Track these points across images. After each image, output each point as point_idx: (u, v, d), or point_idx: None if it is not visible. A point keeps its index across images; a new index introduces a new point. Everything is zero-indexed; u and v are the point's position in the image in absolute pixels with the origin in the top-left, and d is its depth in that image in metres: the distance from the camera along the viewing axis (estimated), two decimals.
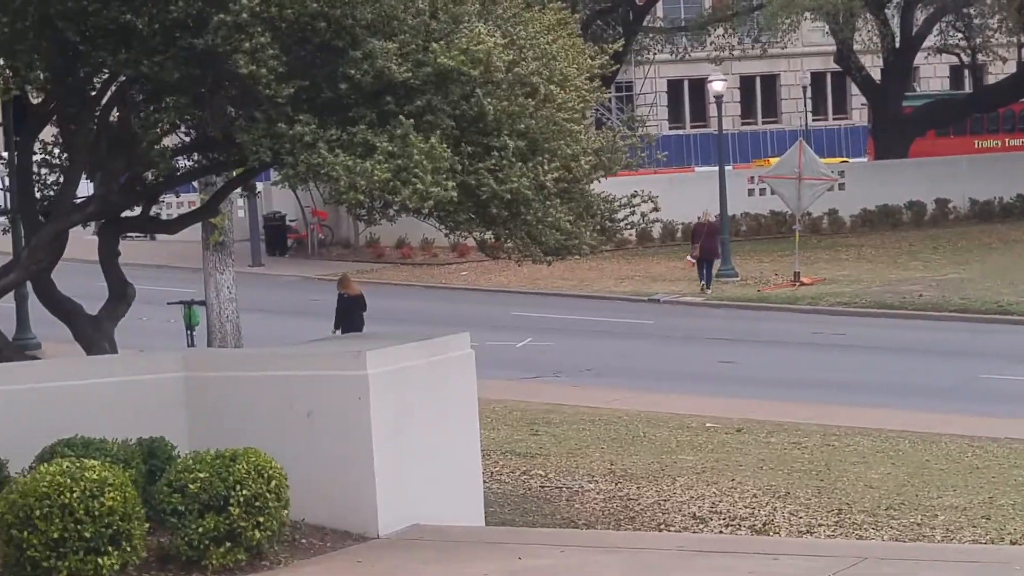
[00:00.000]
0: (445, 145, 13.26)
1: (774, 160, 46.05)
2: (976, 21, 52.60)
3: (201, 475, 11.26)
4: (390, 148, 13.03)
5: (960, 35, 53.76)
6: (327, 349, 13.98)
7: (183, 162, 16.41)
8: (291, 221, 48.02)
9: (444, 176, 13.11)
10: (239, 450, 11.46)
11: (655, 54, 60.74)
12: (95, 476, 10.78)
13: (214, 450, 11.52)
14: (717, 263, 37.69)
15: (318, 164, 12.94)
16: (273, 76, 13.01)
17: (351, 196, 12.91)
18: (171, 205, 38.82)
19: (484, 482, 15.73)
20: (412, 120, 13.22)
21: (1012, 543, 15.11)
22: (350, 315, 26.40)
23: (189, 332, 25.65)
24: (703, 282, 36.98)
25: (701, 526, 16.14)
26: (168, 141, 16.08)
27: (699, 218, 37.74)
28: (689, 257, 37.70)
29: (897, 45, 49.87)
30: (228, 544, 11.25)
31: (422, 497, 12.99)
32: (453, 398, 13.72)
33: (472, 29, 13.73)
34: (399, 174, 12.91)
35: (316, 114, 13.40)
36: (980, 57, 54.67)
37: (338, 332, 25.34)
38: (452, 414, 13.67)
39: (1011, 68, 56.21)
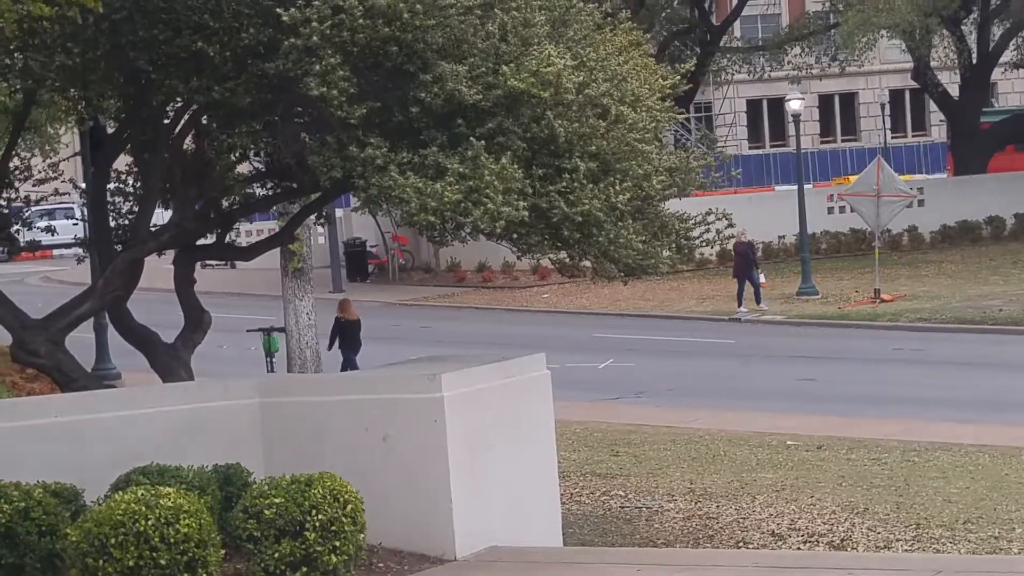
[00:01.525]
0: (516, 166, 13.28)
1: (853, 178, 45.71)
2: None
3: (277, 500, 11.27)
4: (461, 170, 13.08)
5: None
6: (402, 372, 14.00)
7: (258, 190, 16.53)
8: (372, 247, 48.24)
9: (515, 197, 13.13)
10: (314, 475, 11.47)
11: (733, 74, 60.65)
12: (170, 503, 10.80)
13: (289, 475, 11.53)
14: (752, 282, 37.22)
15: (389, 186, 13.01)
16: (344, 98, 13.09)
17: (422, 218, 12.96)
18: (249, 233, 39.25)
19: (563, 503, 15.71)
20: (483, 142, 13.26)
21: None
22: (349, 338, 27.08)
23: (269, 359, 25.79)
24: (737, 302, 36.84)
25: (779, 543, 16.01)
26: (243, 168, 16.24)
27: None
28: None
29: (974, 61, 49.47)
30: (304, 569, 11.24)
31: (499, 519, 12.96)
32: (529, 419, 13.68)
33: (542, 51, 13.77)
34: (470, 195, 12.95)
35: (387, 137, 13.48)
36: None
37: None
38: (529, 435, 13.63)
39: None
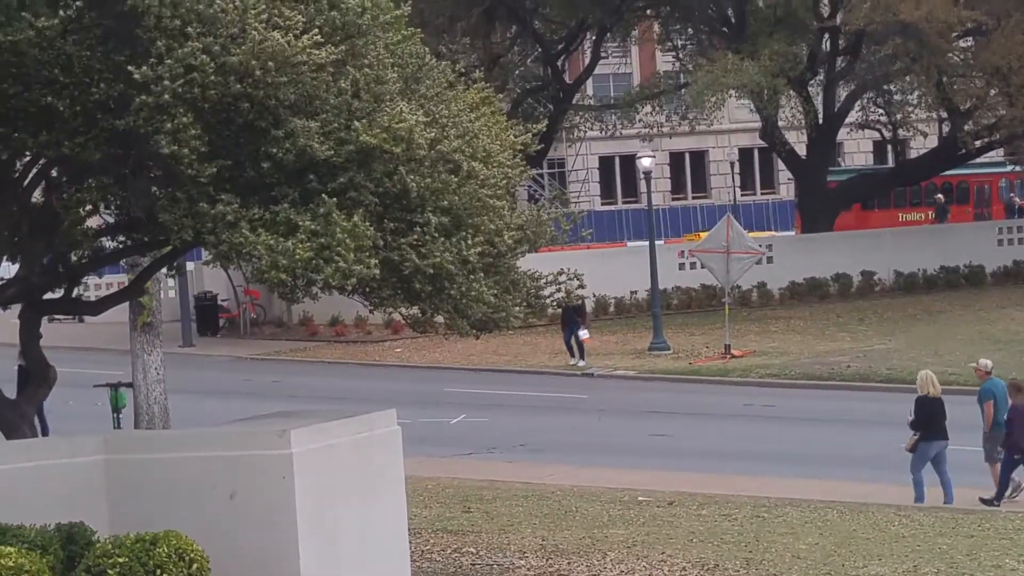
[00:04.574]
0: (368, 222, 13.31)
1: (704, 234, 46.41)
2: (896, 97, 53.51)
3: (120, 560, 11.12)
4: (313, 227, 13.06)
5: (881, 111, 54.65)
6: (251, 429, 13.89)
7: (107, 243, 16.32)
8: (223, 300, 47.75)
9: (367, 253, 13.16)
10: (160, 533, 11.34)
11: (586, 131, 61.29)
12: (11, 563, 10.62)
13: (134, 534, 11.39)
14: (576, 338, 37.61)
15: (240, 243, 12.95)
16: (195, 156, 13.03)
17: (273, 275, 12.91)
18: (98, 286, 38.60)
19: (414, 560, 15.66)
20: (335, 198, 13.28)
21: None
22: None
23: (116, 415, 25.39)
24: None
25: None
26: (92, 222, 16.03)
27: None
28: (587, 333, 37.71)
29: (820, 121, 50.58)
30: None
31: None
32: (379, 476, 13.66)
33: (394, 107, 13.83)
34: (321, 252, 12.94)
35: (239, 193, 13.42)
36: (901, 132, 55.56)
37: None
38: (379, 491, 13.60)
39: (932, 142, 57.15)
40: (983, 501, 21.83)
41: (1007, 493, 22.02)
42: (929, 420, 22.02)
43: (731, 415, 30.85)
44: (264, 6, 13.22)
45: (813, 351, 37.64)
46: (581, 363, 37.45)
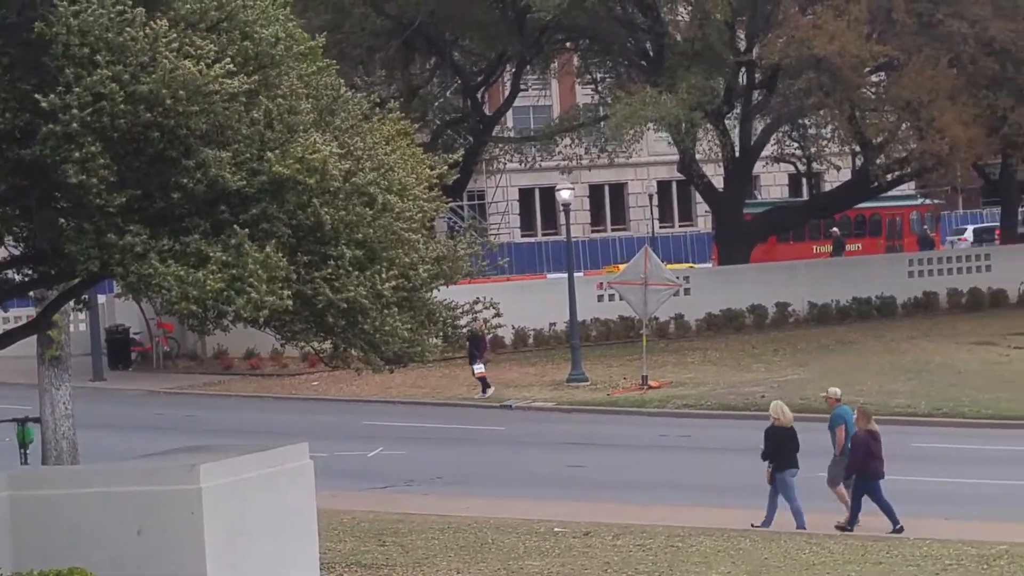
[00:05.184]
0: (281, 254, 13.19)
1: (622, 266, 46.54)
2: (811, 131, 54.09)
3: None
4: (224, 258, 12.93)
5: (796, 144, 55.23)
6: (160, 464, 13.69)
7: (13, 275, 16.06)
8: (135, 333, 47.18)
9: (279, 285, 13.03)
10: (63, 570, 11.13)
11: (505, 163, 61.38)
12: None
13: (38, 571, 11.17)
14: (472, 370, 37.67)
15: (149, 274, 12.79)
16: (104, 186, 12.87)
17: (183, 307, 12.76)
18: (5, 319, 38.13)
19: None
20: (247, 229, 13.15)
21: None
22: None
23: (23, 451, 24.95)
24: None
25: None
26: None
27: None
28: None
29: (737, 154, 50.95)
30: None
31: None
32: (291, 510, 13.51)
33: (308, 138, 13.74)
34: (233, 284, 12.81)
35: (148, 224, 13.27)
36: (816, 165, 56.17)
37: None
38: (290, 526, 13.45)
39: (845, 175, 57.78)
40: (838, 528, 22.34)
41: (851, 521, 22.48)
42: (778, 449, 22.60)
43: (648, 446, 30.93)
44: (175, 35, 13.09)
45: (729, 382, 37.83)
46: (478, 396, 37.33)
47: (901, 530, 21.97)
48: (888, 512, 22.31)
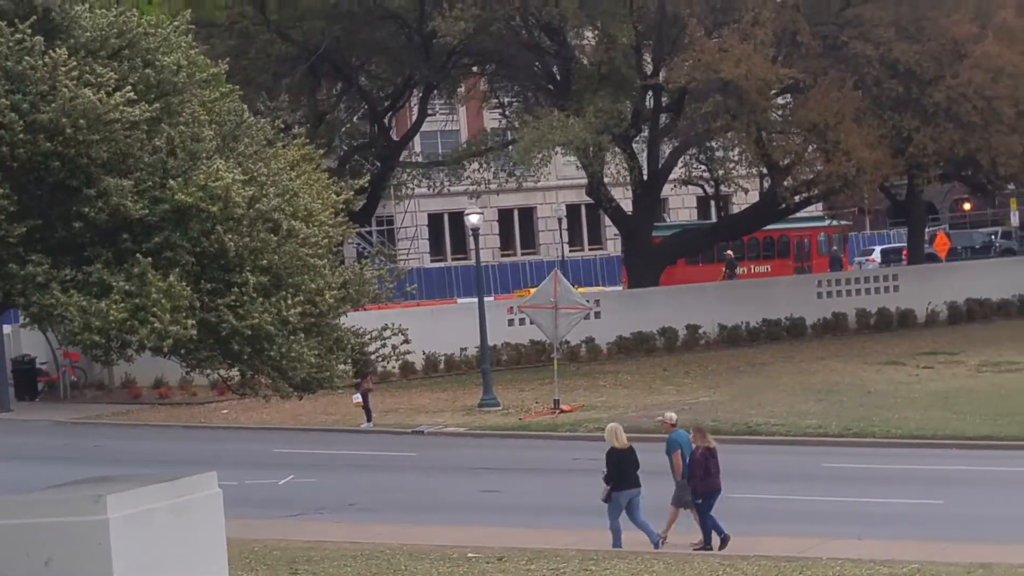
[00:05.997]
0: (184, 283, 13.13)
1: (532, 290, 46.65)
2: (718, 153, 54.56)
3: None
4: (127, 287, 12.86)
5: (704, 167, 55.67)
6: (67, 494, 13.51)
7: None
8: (42, 364, 46.63)
9: (183, 314, 12.98)
10: None
11: (414, 188, 61.37)
12: None
13: None
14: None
15: (51, 305, 12.70)
16: (4, 215, 12.78)
17: (86, 337, 12.67)
18: None
19: None
20: (150, 258, 13.09)
21: None
22: None
23: None
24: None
25: None
26: None
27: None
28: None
29: (645, 177, 51.28)
30: None
31: None
32: (200, 539, 13.38)
33: (211, 165, 13.70)
34: (136, 313, 12.74)
35: (50, 254, 13.17)
36: (723, 188, 56.64)
37: None
38: (199, 556, 13.32)
39: (753, 197, 58.35)
40: (695, 547, 22.73)
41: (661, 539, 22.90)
42: (618, 471, 23.06)
43: (560, 470, 30.96)
44: (75, 63, 13.01)
45: (640, 404, 37.96)
46: (364, 425, 37.17)
47: (711, 547, 22.50)
48: (705, 529, 22.76)
